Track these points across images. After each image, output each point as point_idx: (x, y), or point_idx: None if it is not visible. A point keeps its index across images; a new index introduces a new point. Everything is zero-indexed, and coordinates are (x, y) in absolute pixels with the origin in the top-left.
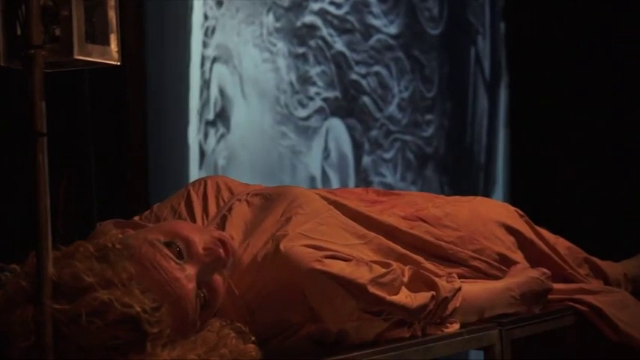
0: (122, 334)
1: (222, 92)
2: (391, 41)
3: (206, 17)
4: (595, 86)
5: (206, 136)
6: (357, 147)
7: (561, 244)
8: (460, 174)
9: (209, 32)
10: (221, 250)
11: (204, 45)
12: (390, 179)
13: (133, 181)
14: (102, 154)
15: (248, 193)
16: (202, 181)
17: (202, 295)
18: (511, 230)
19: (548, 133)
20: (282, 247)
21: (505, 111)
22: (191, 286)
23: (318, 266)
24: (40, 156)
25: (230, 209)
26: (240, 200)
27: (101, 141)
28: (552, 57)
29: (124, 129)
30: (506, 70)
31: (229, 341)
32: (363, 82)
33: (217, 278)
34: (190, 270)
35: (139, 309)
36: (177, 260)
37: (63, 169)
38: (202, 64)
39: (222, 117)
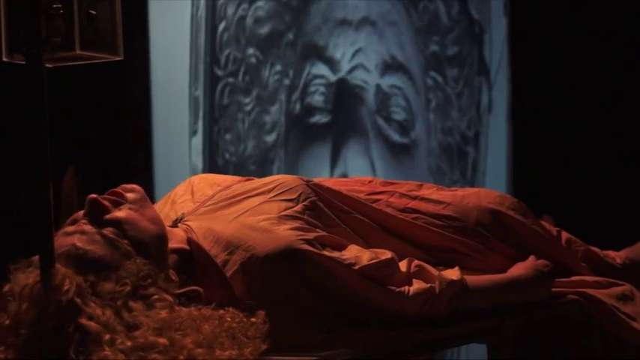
0: None
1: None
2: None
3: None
4: (597, 81)
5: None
6: None
7: (562, 236)
8: (461, 168)
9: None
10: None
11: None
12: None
13: (138, 172)
14: (106, 148)
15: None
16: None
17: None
18: (512, 221)
19: (550, 127)
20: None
21: (507, 105)
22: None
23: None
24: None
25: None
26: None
27: (105, 134)
28: (555, 51)
29: (128, 118)
30: (509, 64)
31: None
32: None
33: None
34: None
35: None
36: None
37: (67, 162)
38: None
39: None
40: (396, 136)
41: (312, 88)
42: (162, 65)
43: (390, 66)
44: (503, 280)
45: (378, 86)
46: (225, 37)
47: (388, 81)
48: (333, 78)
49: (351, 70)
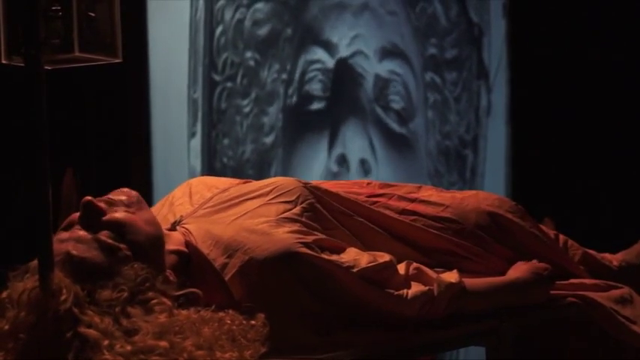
0: None
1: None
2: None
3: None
4: (597, 83)
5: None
6: None
7: (559, 239)
8: (459, 170)
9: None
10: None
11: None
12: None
13: (137, 174)
14: (105, 149)
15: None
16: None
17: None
18: (511, 224)
19: (549, 129)
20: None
21: (506, 107)
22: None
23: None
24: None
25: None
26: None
27: (104, 136)
28: (554, 53)
29: (127, 121)
30: (508, 67)
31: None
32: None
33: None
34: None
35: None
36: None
37: (66, 164)
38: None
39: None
40: (394, 125)
41: (311, 74)
42: (161, 67)
43: (390, 52)
44: (502, 282)
45: (376, 73)
46: (223, 41)
47: (387, 66)
48: (331, 63)
49: (350, 56)
